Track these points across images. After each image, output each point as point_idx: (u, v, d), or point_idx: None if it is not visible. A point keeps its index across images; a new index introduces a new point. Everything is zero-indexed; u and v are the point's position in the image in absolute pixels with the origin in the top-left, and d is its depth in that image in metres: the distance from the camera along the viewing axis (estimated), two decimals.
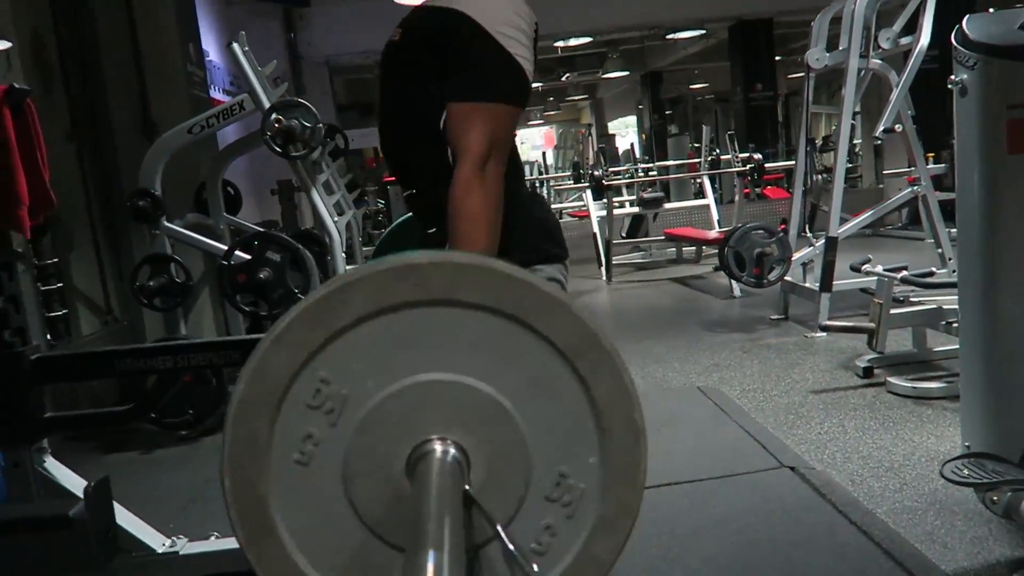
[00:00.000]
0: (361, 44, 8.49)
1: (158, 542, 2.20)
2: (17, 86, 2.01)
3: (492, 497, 0.83)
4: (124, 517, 2.22)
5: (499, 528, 0.81)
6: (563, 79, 14.04)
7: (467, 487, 0.82)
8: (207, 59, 6.91)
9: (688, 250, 7.90)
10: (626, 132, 18.53)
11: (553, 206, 11.24)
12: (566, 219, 10.12)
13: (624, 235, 8.50)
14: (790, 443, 2.88)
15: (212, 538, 2.22)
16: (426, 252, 0.80)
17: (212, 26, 7.44)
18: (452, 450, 0.82)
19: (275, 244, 3.57)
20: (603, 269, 7.29)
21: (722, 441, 2.92)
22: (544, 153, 16.49)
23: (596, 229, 7.51)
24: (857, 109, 6.02)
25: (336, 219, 3.77)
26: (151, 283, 3.56)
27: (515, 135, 1.31)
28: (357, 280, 0.79)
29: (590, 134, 16.23)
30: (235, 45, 3.58)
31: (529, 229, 1.38)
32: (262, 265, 3.53)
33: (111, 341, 4.39)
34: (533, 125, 21.96)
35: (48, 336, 4.72)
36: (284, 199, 5.76)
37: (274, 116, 3.52)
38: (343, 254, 3.78)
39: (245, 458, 0.81)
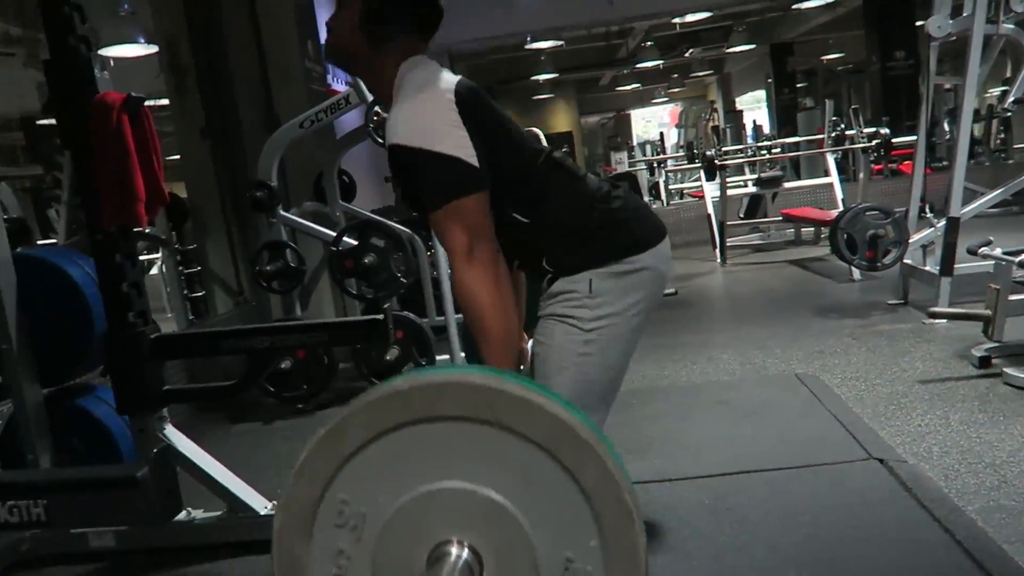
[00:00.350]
0: (479, 31, 8.64)
1: (261, 505, 2.42)
2: (134, 95, 2.25)
3: None
4: (232, 481, 2.45)
5: None
6: (686, 55, 13.66)
7: None
8: None
9: (807, 231, 7.58)
10: (759, 107, 17.84)
11: (672, 186, 11.02)
12: (685, 200, 9.89)
13: (741, 216, 8.25)
14: (885, 435, 2.76)
15: None
16: (408, 376, 0.91)
17: None
18: (465, 552, 0.91)
19: (379, 231, 3.78)
20: (717, 251, 7.13)
21: (811, 430, 2.84)
22: (661, 133, 16.14)
23: (710, 210, 7.35)
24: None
25: None
26: (269, 268, 3.85)
27: (489, 216, 1.41)
28: (353, 412, 0.92)
29: (713, 110, 15.70)
30: None
31: (602, 225, 1.48)
32: (367, 251, 3.74)
33: (241, 320, 4.78)
34: (658, 103, 21.50)
35: (190, 315, 5.22)
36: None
37: (376, 108, 3.70)
38: None
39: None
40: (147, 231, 6.17)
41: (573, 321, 1.46)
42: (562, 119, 18.39)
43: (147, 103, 2.30)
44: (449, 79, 1.44)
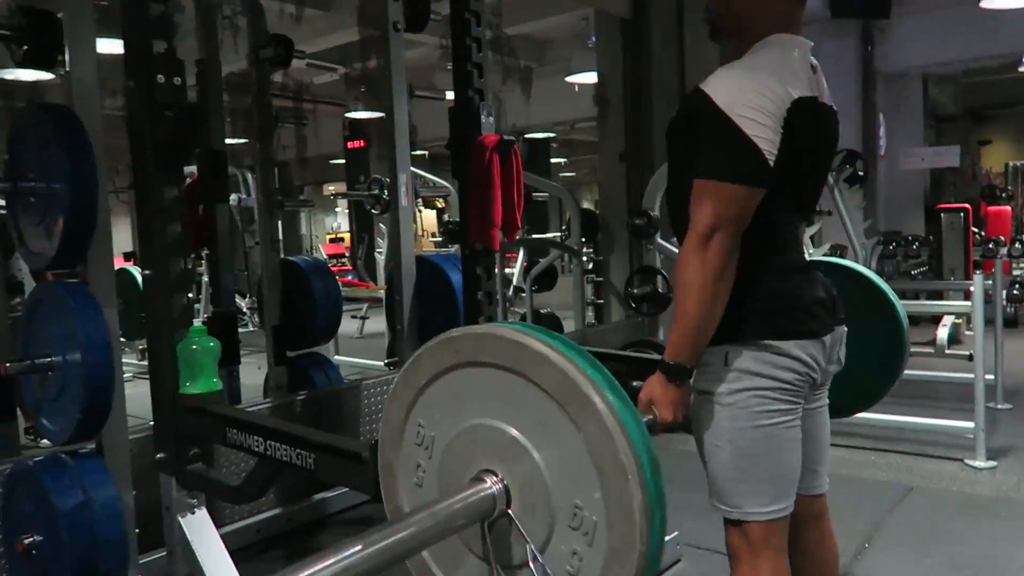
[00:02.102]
0: (943, 55, 7.71)
1: None
2: (506, 137, 2.68)
3: (529, 520, 1.05)
4: None
5: (532, 549, 1.03)
6: None
7: (509, 511, 1.06)
8: None
9: None
10: None
11: None
12: None
13: None
14: None
15: None
16: (465, 327, 1.09)
17: None
18: (499, 485, 1.08)
19: None
20: None
21: None
22: None
23: None
24: None
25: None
26: (637, 291, 4.12)
27: (750, 212, 1.34)
28: (422, 353, 1.15)
29: None
30: None
31: (765, 304, 1.41)
32: None
33: (627, 331, 5.15)
34: None
35: (591, 320, 5.81)
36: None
37: None
38: None
39: (387, 481, 1.23)
40: (560, 239, 6.95)
41: (715, 396, 1.40)
42: None
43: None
44: (798, 82, 1.37)
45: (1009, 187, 10.46)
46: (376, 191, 4.60)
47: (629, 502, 0.95)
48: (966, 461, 3.41)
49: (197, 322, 2.14)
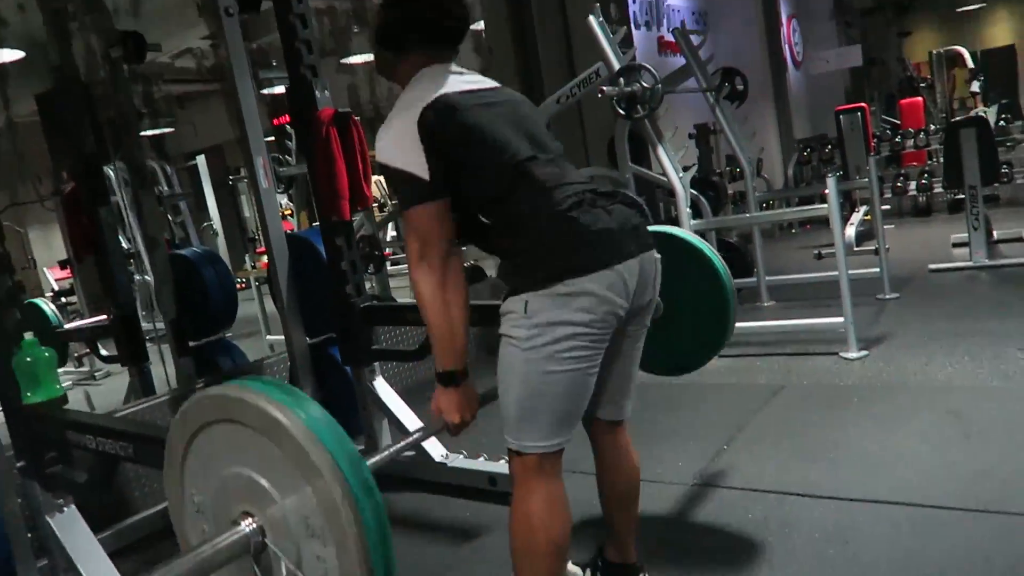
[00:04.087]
0: None
1: (439, 453, 2.86)
2: (340, 110, 2.76)
3: (283, 543, 1.18)
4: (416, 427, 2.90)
5: (289, 566, 1.16)
6: None
7: (266, 541, 1.19)
8: (665, 3, 7.28)
9: None
10: None
11: None
12: None
13: None
14: None
15: (481, 458, 2.78)
16: (195, 394, 1.21)
17: None
18: (253, 524, 1.20)
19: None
20: None
21: None
22: None
23: None
24: None
25: (682, 175, 3.87)
26: None
27: (443, 222, 1.54)
28: (171, 428, 1.26)
29: None
30: (591, 18, 3.90)
31: (546, 248, 1.53)
32: None
33: None
34: None
35: None
36: (701, 143, 5.88)
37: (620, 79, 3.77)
38: (687, 209, 3.87)
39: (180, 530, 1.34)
40: None
41: (513, 340, 1.53)
42: (1001, 32, 15.27)
43: None
44: (427, 97, 1.56)
45: (929, 76, 10.58)
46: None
47: (332, 497, 1.09)
48: (840, 354, 3.62)
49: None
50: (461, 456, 2.80)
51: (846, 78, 10.94)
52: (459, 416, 1.62)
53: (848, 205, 7.05)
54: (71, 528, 2.09)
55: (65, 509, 2.11)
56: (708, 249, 2.25)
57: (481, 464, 2.74)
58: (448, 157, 1.55)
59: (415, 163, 1.53)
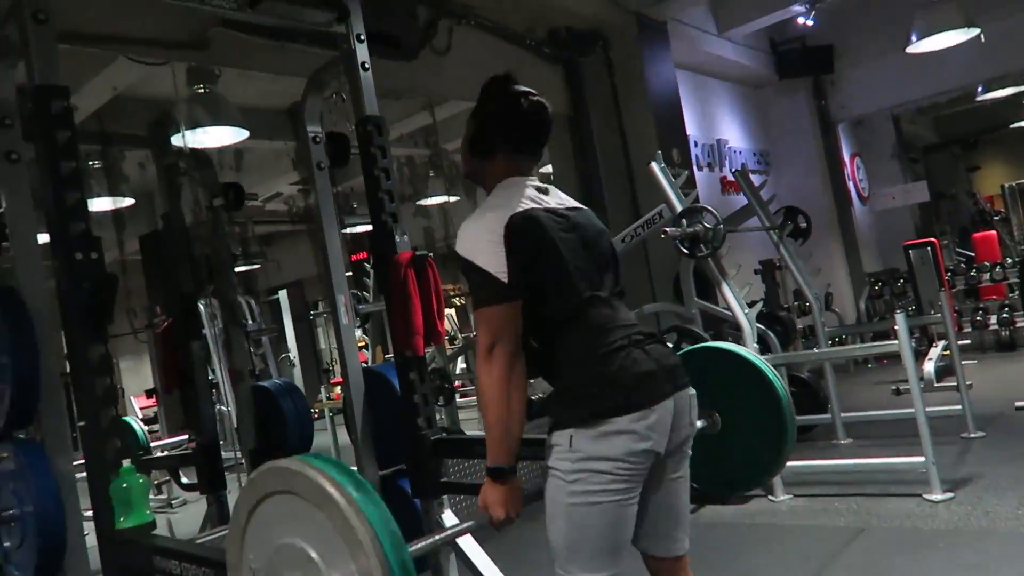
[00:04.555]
0: (891, 99, 8.06)
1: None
2: (418, 252, 2.96)
3: None
4: (480, 560, 2.88)
5: None
6: None
7: None
8: (726, 145, 7.57)
9: None
10: None
11: None
12: None
13: None
14: None
15: None
16: (261, 467, 1.31)
17: (741, 110, 8.07)
18: None
19: (687, 336, 3.94)
20: None
21: None
22: None
23: None
24: None
25: (748, 310, 3.92)
26: None
27: (513, 322, 1.61)
28: (237, 501, 1.36)
29: None
30: (653, 164, 4.12)
31: (592, 387, 1.61)
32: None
33: None
34: None
35: None
36: (767, 278, 5.93)
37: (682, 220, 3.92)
38: (755, 344, 3.89)
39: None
40: None
41: (559, 474, 1.59)
42: None
43: None
44: (515, 206, 1.67)
45: (1002, 209, 10.49)
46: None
47: (369, 569, 1.16)
48: (923, 496, 3.47)
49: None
50: None
51: (915, 213, 10.94)
52: (504, 511, 1.64)
53: (926, 340, 6.89)
54: None
55: None
56: (764, 364, 2.25)
57: None
58: (526, 270, 1.63)
59: (495, 264, 1.62)
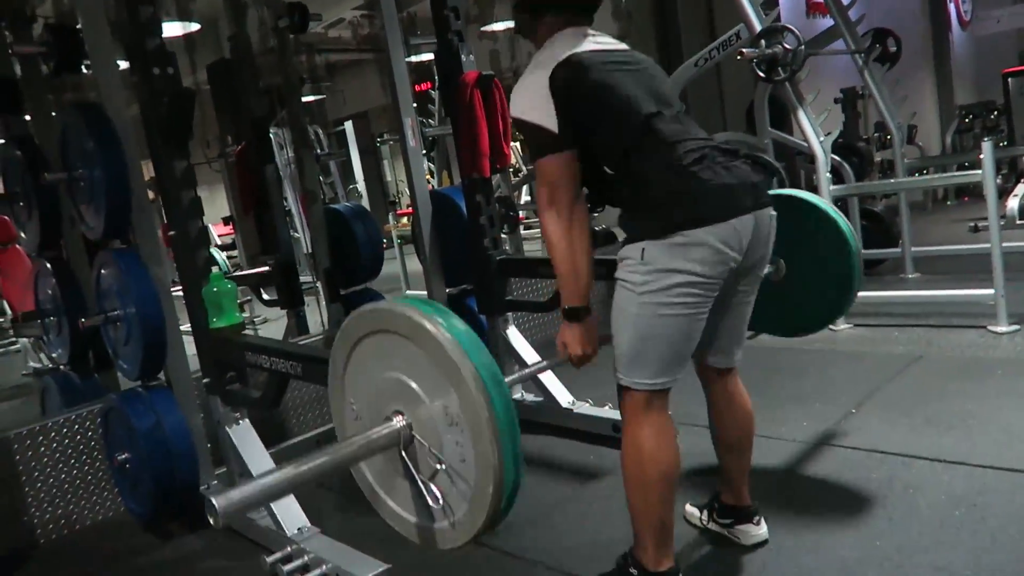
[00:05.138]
0: None
1: (566, 399, 3.02)
2: (484, 73, 2.92)
3: (428, 435, 1.38)
4: (547, 376, 3.06)
5: (434, 452, 1.36)
6: None
7: (415, 435, 1.38)
8: None
9: None
10: None
11: None
12: None
13: None
14: None
15: (607, 407, 2.92)
16: (354, 312, 1.40)
17: None
18: (403, 421, 1.39)
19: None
20: None
21: None
22: None
23: None
24: None
25: (823, 139, 3.78)
26: None
27: (570, 171, 1.67)
28: (335, 344, 1.45)
29: None
30: None
31: (665, 199, 1.62)
32: None
33: None
34: None
35: None
36: (847, 107, 5.63)
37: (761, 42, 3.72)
38: (828, 174, 3.78)
39: (338, 420, 1.55)
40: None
41: (628, 285, 1.63)
42: None
43: None
44: (559, 56, 1.68)
45: None
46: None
47: (469, 390, 1.26)
48: (988, 327, 3.46)
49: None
50: (587, 404, 2.94)
51: (1022, 40, 10.04)
52: (581, 349, 1.74)
53: (1015, 177, 6.55)
54: (246, 438, 2.40)
55: (240, 422, 2.42)
56: (834, 211, 2.22)
57: (606, 412, 2.87)
58: (578, 111, 1.65)
59: (545, 117, 1.65)
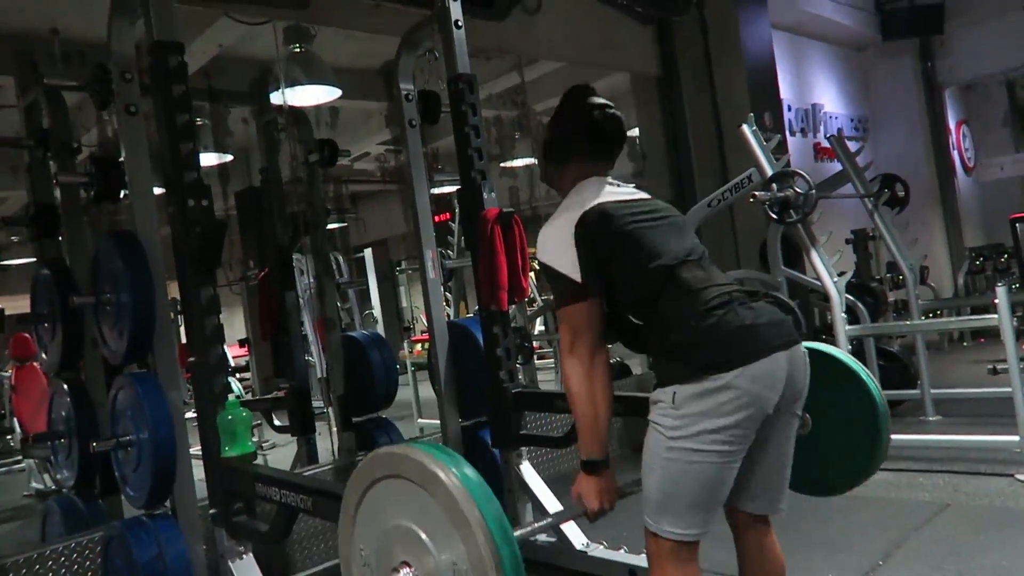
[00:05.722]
0: (1008, 61, 7.53)
1: (580, 540, 2.91)
2: (504, 210, 3.01)
3: None
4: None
5: None
6: None
7: None
8: (822, 110, 7.30)
9: None
10: None
11: None
12: None
13: None
14: None
15: (622, 550, 2.81)
16: (367, 456, 1.38)
17: (839, 73, 7.75)
18: (409, 572, 1.36)
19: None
20: None
21: None
22: None
23: None
24: None
25: (836, 279, 3.83)
26: None
27: (593, 319, 1.69)
28: (347, 488, 1.44)
29: None
30: (744, 127, 4.03)
31: (693, 343, 1.61)
32: None
33: None
34: None
35: None
36: (859, 248, 5.73)
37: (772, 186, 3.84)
38: (843, 314, 3.80)
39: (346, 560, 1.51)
40: None
41: (660, 428, 1.61)
42: None
43: None
44: (585, 204, 1.74)
45: None
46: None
47: (478, 546, 1.22)
48: (1016, 476, 3.35)
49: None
50: (602, 546, 2.82)
51: None
52: (598, 503, 1.70)
53: None
54: (248, 573, 2.32)
55: (244, 556, 2.34)
56: (860, 368, 2.13)
57: (622, 556, 2.75)
58: (602, 260, 1.69)
59: (569, 264, 1.70)
